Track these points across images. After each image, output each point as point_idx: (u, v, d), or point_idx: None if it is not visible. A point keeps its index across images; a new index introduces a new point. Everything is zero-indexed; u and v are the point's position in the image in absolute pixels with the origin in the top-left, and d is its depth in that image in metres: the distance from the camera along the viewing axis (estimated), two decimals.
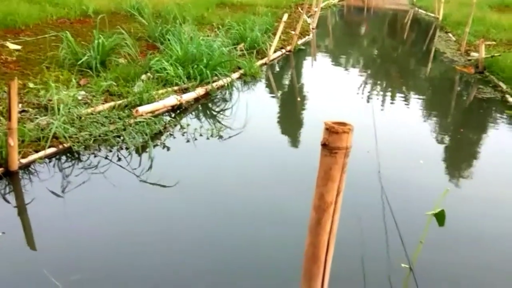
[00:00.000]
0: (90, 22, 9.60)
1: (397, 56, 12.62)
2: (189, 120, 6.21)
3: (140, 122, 5.41)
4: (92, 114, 5.36)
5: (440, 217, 2.94)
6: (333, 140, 1.63)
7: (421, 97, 8.72)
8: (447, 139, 6.73)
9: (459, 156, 6.11)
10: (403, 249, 3.25)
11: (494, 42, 10.71)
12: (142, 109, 5.57)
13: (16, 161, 4.34)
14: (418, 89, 9.24)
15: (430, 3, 17.95)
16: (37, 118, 5.05)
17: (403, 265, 3.11)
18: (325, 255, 1.82)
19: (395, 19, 19.66)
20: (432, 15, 16.98)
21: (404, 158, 5.62)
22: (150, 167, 4.83)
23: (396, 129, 6.79)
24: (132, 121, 5.43)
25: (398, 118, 7.37)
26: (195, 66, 7.21)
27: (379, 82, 9.67)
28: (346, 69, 10.77)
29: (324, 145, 1.65)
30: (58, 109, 5.06)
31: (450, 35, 13.55)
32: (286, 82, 9.18)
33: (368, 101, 8.02)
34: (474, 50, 10.49)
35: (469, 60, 10.33)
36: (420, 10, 18.76)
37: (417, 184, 4.95)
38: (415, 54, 12.79)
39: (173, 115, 6.25)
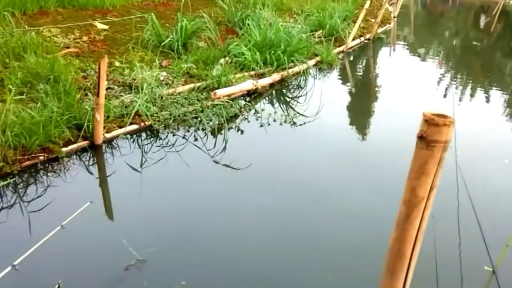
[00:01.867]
0: (173, 5, 9.85)
1: (481, 49, 11.86)
2: (264, 105, 6.22)
3: (217, 104, 5.50)
4: (172, 94, 5.52)
5: None
6: (432, 132, 1.54)
7: (506, 92, 8.15)
8: None
9: None
10: (485, 251, 3.06)
11: None
12: (220, 92, 5.66)
13: (101, 135, 4.58)
14: (503, 85, 8.64)
15: None
16: (121, 95, 5.28)
17: (486, 267, 2.94)
18: (411, 252, 1.75)
19: (482, 11, 18.45)
20: None
21: (487, 157, 5.30)
22: (224, 149, 4.91)
23: (479, 125, 6.41)
24: (209, 103, 5.53)
25: (480, 113, 6.95)
26: (273, 51, 7.19)
27: (460, 75, 9.17)
28: (426, 61, 10.29)
29: (421, 137, 1.57)
30: (142, 88, 5.26)
31: None
32: (363, 71, 8.94)
33: (447, 95, 7.63)
34: None
35: None
36: (510, 2, 17.45)
37: (501, 184, 4.65)
38: (501, 48, 11.96)
39: (248, 99, 6.30)
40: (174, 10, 9.02)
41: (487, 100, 7.73)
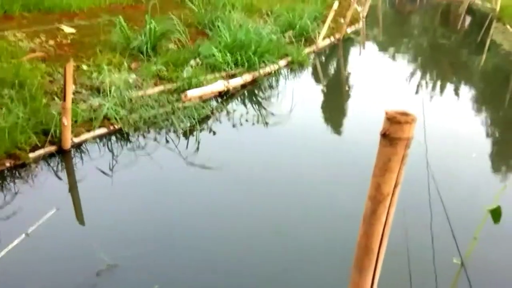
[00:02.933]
0: (142, 8, 9.73)
1: (449, 47, 12.14)
2: (236, 106, 6.22)
3: (188, 106, 5.47)
4: (142, 97, 5.47)
5: (495, 214, 2.81)
6: (394, 130, 1.57)
7: (474, 88, 8.38)
8: (501, 132, 6.45)
9: None
10: (454, 245, 3.13)
11: None
12: (191, 93, 5.63)
13: (69, 140, 4.49)
14: (471, 80, 8.88)
15: None
16: (90, 99, 5.20)
17: (454, 260, 3.01)
18: (378, 247, 1.77)
19: (449, 10, 18.88)
20: (489, 6, 16.19)
21: (455, 151, 5.43)
22: (197, 150, 4.89)
23: (447, 120, 6.55)
24: (180, 105, 5.49)
25: (449, 109, 7.11)
26: (243, 52, 7.19)
27: (429, 72, 9.37)
28: (395, 59, 10.48)
29: (384, 135, 1.59)
30: (110, 91, 5.18)
31: (508, 26, 12.89)
32: (334, 70, 9.04)
33: (417, 92, 7.80)
34: None
35: None
36: (476, 1, 17.92)
37: (469, 178, 4.77)
38: (468, 45, 12.27)
39: (220, 100, 6.29)
40: (143, 13, 8.89)
41: (456, 96, 7.93)
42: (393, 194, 1.69)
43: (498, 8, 15.13)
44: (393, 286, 3.09)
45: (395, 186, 1.68)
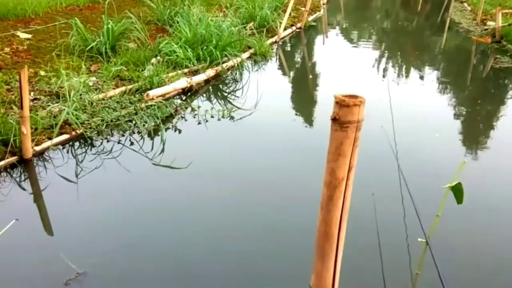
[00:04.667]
0: (99, 8, 9.55)
1: (411, 28, 12.34)
2: (200, 102, 6.17)
3: (151, 106, 5.39)
4: (103, 99, 5.36)
5: (457, 192, 2.85)
6: (344, 113, 1.57)
7: (437, 69, 8.56)
8: (464, 111, 6.60)
9: (477, 129, 5.99)
10: (419, 224, 3.19)
11: (511, 10, 10.37)
12: (153, 92, 5.54)
13: (29, 149, 4.37)
14: (433, 61, 9.05)
15: None
16: (49, 105, 5.06)
17: (419, 239, 3.06)
18: (337, 232, 1.78)
19: None
20: None
21: (420, 132, 5.53)
22: (163, 150, 4.83)
23: (412, 103, 6.68)
24: (143, 105, 5.41)
25: (413, 91, 7.24)
26: (205, 47, 7.14)
27: (393, 56, 9.51)
28: (358, 44, 10.58)
29: (334, 119, 1.60)
30: (70, 96, 5.06)
31: (465, 4, 13.19)
32: (297, 60, 9.06)
33: (382, 75, 7.91)
34: (491, 19, 10.19)
35: (486, 29, 10.05)
36: None
37: (433, 157, 4.86)
38: (429, 26, 12.50)
39: (184, 97, 6.22)
40: (100, 13, 8.74)
41: (420, 77, 8.07)
42: (347, 178, 1.70)
43: None
44: (364, 266, 3.13)
45: (349, 170, 1.69)
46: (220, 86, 6.93)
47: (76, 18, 7.19)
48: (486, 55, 9.08)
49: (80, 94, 5.19)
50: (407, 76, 8.08)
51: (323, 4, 12.59)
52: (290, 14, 9.75)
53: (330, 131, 1.63)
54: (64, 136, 4.74)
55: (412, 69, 8.55)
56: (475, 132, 5.88)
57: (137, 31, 7.23)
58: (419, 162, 4.71)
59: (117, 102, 5.36)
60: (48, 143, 4.59)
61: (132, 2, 10.09)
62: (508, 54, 8.50)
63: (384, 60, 9.11)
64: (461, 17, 11.89)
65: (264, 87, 6.85)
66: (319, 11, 12.00)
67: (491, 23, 9.95)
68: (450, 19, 11.87)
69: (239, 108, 6.06)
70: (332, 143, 1.65)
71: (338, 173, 1.67)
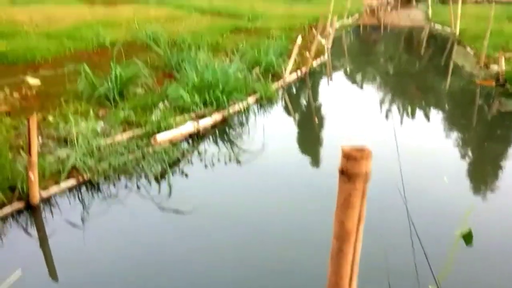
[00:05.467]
0: (108, 53, 9.75)
1: (415, 72, 12.50)
2: (207, 146, 6.20)
3: (158, 150, 5.42)
4: (111, 144, 5.39)
5: (467, 236, 2.80)
6: (352, 166, 1.57)
7: (442, 112, 8.60)
8: (471, 154, 6.59)
9: (485, 172, 5.95)
10: (429, 269, 3.11)
11: None
12: (160, 137, 5.59)
13: (37, 194, 4.37)
14: (439, 104, 9.10)
15: (446, 18, 17.80)
16: (57, 150, 5.10)
17: (430, 287, 2.98)
18: (348, 283, 1.74)
19: (412, 36, 19.56)
20: (449, 30, 16.85)
21: (428, 175, 5.49)
22: (169, 194, 4.82)
23: (419, 145, 6.66)
24: (150, 149, 5.44)
25: (419, 134, 7.23)
26: (212, 92, 7.23)
27: (398, 98, 9.59)
28: (363, 88, 10.71)
29: (342, 172, 1.59)
30: (77, 141, 5.11)
31: (468, 49, 13.37)
32: (302, 103, 9.15)
33: (388, 118, 7.94)
34: (494, 63, 10.30)
35: (490, 73, 10.15)
36: (436, 26, 18.64)
37: (442, 202, 4.81)
38: (434, 69, 12.65)
39: (190, 141, 6.26)
40: (109, 58, 8.89)
41: (426, 119, 8.12)
42: (357, 231, 1.67)
43: (457, 32, 15.75)
44: None
45: (359, 222, 1.67)
46: (227, 130, 6.98)
47: (84, 64, 7.34)
48: (491, 98, 9.13)
49: (88, 139, 5.23)
50: (413, 119, 8.12)
51: (327, 49, 12.82)
52: (295, 59, 9.92)
53: (338, 183, 1.62)
54: (71, 182, 4.75)
55: (417, 112, 8.60)
56: (482, 175, 5.84)
57: (145, 77, 7.36)
58: (428, 206, 4.65)
59: (125, 147, 5.40)
60: (55, 189, 4.59)
61: (140, 48, 10.32)
62: None
63: (389, 103, 9.19)
64: (465, 61, 12.05)
65: (270, 131, 6.90)
66: (324, 56, 12.20)
67: (494, 67, 10.06)
68: (453, 63, 12.03)
69: (245, 151, 6.08)
70: (341, 195, 1.64)
71: (347, 225, 1.65)
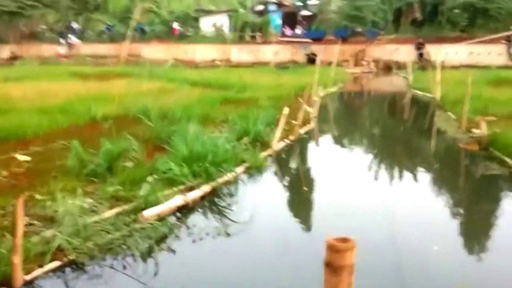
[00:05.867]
0: (99, 128, 9.87)
1: (400, 137, 12.75)
2: (195, 220, 6.15)
3: (146, 226, 5.37)
4: (98, 222, 5.33)
5: None
6: (337, 259, 1.58)
7: (429, 176, 8.70)
8: (459, 221, 6.64)
9: (475, 238, 5.96)
10: None
11: (494, 118, 10.79)
12: (147, 213, 5.55)
13: (20, 278, 4.26)
14: (425, 168, 9.22)
15: (426, 84, 18.46)
16: (42, 230, 5.03)
17: None
18: None
19: (395, 101, 20.16)
20: (429, 95, 17.40)
21: (418, 244, 5.47)
22: (156, 273, 4.71)
23: (407, 212, 6.70)
24: (138, 226, 5.38)
25: (407, 200, 7.28)
26: (201, 164, 7.28)
27: (386, 162, 9.73)
28: (351, 152, 10.88)
29: (327, 265, 1.60)
30: (64, 220, 5.05)
31: (450, 113, 13.75)
32: (291, 171, 9.22)
33: (375, 184, 8.02)
34: (475, 127, 10.57)
35: (472, 137, 10.38)
36: (417, 92, 19.28)
37: (434, 273, 4.75)
38: (417, 134, 12.93)
39: (179, 215, 6.21)
40: (100, 132, 9.03)
41: (414, 183, 8.22)
42: None
43: (438, 97, 16.27)
44: None
45: None
46: (216, 201, 6.96)
47: (74, 140, 7.40)
48: (475, 162, 9.29)
49: (75, 218, 5.17)
50: (400, 183, 8.20)
51: (314, 117, 13.11)
52: (283, 128, 10.10)
53: (324, 276, 1.63)
54: (56, 263, 4.65)
55: (405, 175, 8.70)
56: (472, 242, 5.83)
57: (135, 151, 7.42)
58: (419, 277, 4.60)
59: (112, 224, 5.34)
60: (38, 272, 4.48)
61: (131, 121, 10.47)
62: (497, 161, 8.70)
63: (377, 167, 9.30)
64: (447, 125, 12.34)
65: (260, 201, 6.91)
66: (310, 123, 12.46)
67: (476, 131, 10.31)
68: (436, 128, 12.32)
69: (234, 223, 6.05)
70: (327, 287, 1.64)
71: None
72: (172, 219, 6.00)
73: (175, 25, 37.63)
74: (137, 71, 22.45)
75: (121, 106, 11.85)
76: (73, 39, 37.36)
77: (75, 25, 40.18)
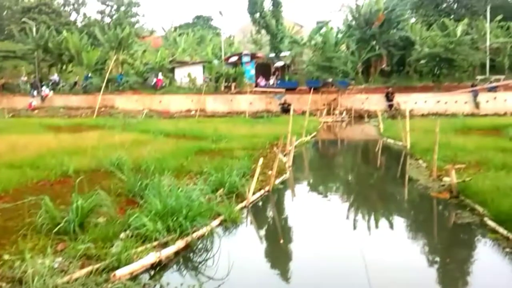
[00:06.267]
0: (71, 182, 9.67)
1: (374, 186, 12.93)
2: (170, 277, 6.03)
3: (118, 287, 5.22)
4: (68, 282, 5.17)
5: None
6: None
7: (403, 227, 8.79)
8: (433, 268, 6.71)
9: (448, 285, 6.02)
10: None
11: (463, 165, 11.11)
12: (120, 272, 5.42)
13: None
14: (399, 219, 9.32)
15: (396, 132, 18.95)
16: None
17: None
18: None
19: (367, 149, 20.59)
20: (400, 143, 17.84)
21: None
22: None
23: (385, 259, 6.77)
24: (110, 286, 5.24)
25: (382, 249, 7.31)
26: (175, 218, 7.20)
27: (361, 210, 9.85)
28: (326, 201, 10.97)
29: None
30: (32, 282, 4.88)
31: (420, 161, 14.08)
32: (267, 224, 9.18)
33: (352, 234, 8.08)
34: (446, 174, 10.83)
35: (443, 185, 10.62)
36: (388, 140, 19.76)
37: None
38: (391, 183, 13.14)
39: (152, 272, 6.08)
40: (72, 187, 8.85)
41: (388, 231, 8.31)
42: None
43: (408, 145, 16.69)
44: None
45: None
46: (191, 257, 6.85)
47: (45, 196, 7.25)
48: (447, 210, 9.46)
49: (44, 279, 5.01)
50: (375, 233, 8.25)
51: (289, 166, 13.24)
52: (258, 178, 10.15)
53: None
54: None
55: (379, 226, 8.77)
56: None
57: (107, 206, 7.31)
58: None
59: (83, 284, 5.18)
60: None
61: (104, 175, 10.35)
62: (468, 209, 8.87)
63: (352, 215, 9.42)
64: (418, 173, 12.59)
65: (236, 256, 6.82)
66: (285, 173, 12.55)
67: (446, 179, 10.56)
68: (408, 176, 12.55)
69: (210, 278, 5.95)
70: None
71: None
72: (146, 278, 5.86)
73: (160, 76, 37.87)
74: (110, 122, 22.43)
75: (93, 159, 11.74)
76: (46, 90, 37.23)
77: (54, 76, 40.12)
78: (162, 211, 7.34)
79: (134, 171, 9.76)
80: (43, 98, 36.86)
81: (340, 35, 39.25)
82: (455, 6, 52.55)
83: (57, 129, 19.76)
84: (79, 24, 59.36)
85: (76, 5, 61.94)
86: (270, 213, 9.77)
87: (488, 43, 37.81)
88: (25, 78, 40.10)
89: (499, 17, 41.13)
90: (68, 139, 15.98)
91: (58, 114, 32.38)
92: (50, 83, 38.72)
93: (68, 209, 7.14)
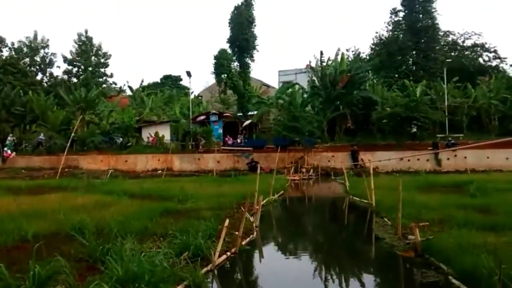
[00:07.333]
0: (29, 248, 9.28)
1: (341, 245, 12.90)
2: None
3: None
4: None
5: None
6: None
7: (369, 287, 8.73)
8: None
9: None
10: None
11: (427, 223, 11.28)
12: None
13: None
14: (366, 278, 9.28)
15: (362, 190, 19.23)
16: None
17: None
18: None
19: (334, 206, 20.71)
20: (366, 201, 18.07)
21: None
22: None
23: None
24: None
25: None
26: (137, 285, 6.96)
27: (328, 273, 9.78)
28: (293, 263, 10.81)
29: None
30: None
31: (386, 219, 14.24)
32: (234, 286, 8.95)
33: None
34: (410, 232, 10.96)
35: (408, 243, 10.72)
36: (354, 198, 19.99)
37: None
38: (357, 241, 13.16)
39: None
40: (30, 253, 8.49)
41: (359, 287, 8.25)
42: None
43: (373, 203, 16.91)
44: None
45: None
46: None
47: (1, 263, 6.93)
48: (413, 269, 9.49)
49: None
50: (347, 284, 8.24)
51: (256, 226, 13.13)
52: (224, 240, 9.99)
53: None
54: None
55: (347, 286, 8.70)
56: None
57: (66, 274, 7.02)
58: None
59: None
60: None
61: (64, 239, 9.98)
62: (432, 268, 8.95)
63: (319, 277, 9.35)
64: (384, 232, 12.70)
65: None
66: (253, 233, 12.42)
67: (411, 237, 10.67)
68: (374, 235, 12.63)
69: None
70: None
71: None
72: None
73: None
74: (74, 183, 21.95)
75: (54, 222, 11.37)
76: (8, 151, 36.35)
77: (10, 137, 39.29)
78: (124, 278, 7.10)
79: (96, 235, 9.49)
80: (4, 159, 35.89)
81: (305, 95, 40.52)
82: (414, 68, 55.40)
83: (17, 191, 19.13)
84: (45, 84, 59.16)
85: (42, 65, 61.92)
86: (236, 276, 9.55)
87: (446, 103, 39.75)
88: None
89: (455, 79, 43.61)
90: (29, 201, 15.47)
91: (19, 175, 31.44)
92: (13, 144, 37.89)
93: (25, 277, 6.81)
